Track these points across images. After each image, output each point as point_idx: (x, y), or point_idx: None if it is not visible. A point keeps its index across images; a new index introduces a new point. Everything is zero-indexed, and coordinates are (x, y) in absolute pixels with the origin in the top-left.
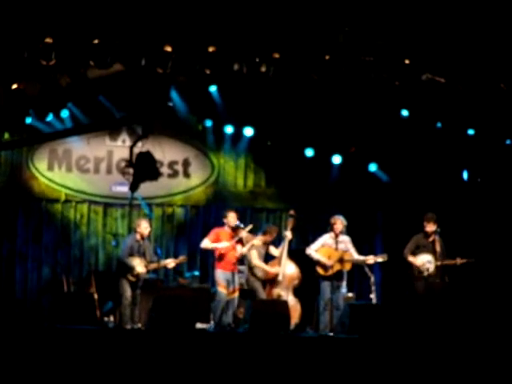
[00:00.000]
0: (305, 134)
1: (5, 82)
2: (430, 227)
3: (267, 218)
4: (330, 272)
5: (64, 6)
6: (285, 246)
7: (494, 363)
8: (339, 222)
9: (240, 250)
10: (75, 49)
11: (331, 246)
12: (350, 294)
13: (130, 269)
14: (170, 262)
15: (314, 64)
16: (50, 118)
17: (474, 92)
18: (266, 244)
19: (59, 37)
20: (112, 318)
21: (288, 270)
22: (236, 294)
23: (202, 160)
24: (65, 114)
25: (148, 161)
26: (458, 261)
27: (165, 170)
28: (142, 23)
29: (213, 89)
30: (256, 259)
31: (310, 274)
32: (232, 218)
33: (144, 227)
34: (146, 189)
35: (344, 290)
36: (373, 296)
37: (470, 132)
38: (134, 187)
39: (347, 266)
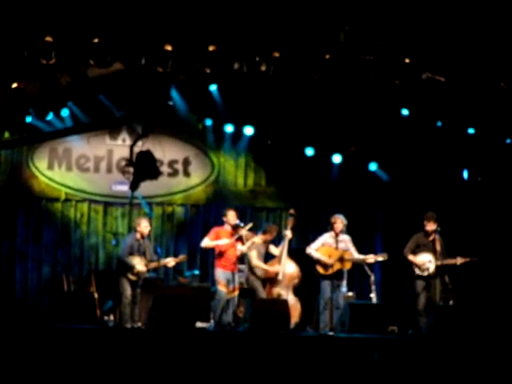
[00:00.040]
0: (305, 133)
1: (5, 80)
2: (430, 226)
3: (267, 217)
4: (330, 271)
5: (64, 5)
6: (285, 245)
7: (495, 363)
8: (339, 221)
9: (240, 248)
10: (75, 48)
11: (331, 245)
12: (350, 293)
13: (130, 268)
14: (170, 261)
15: (314, 63)
16: (50, 116)
17: (474, 91)
18: (266, 243)
19: (59, 36)
20: (112, 317)
21: (288, 269)
22: (236, 293)
23: (202, 159)
24: (65, 112)
25: (148, 160)
26: (459, 260)
27: (165, 168)
28: (142, 22)
29: (213, 88)
30: (255, 259)
31: (310, 273)
32: (231, 217)
33: (144, 226)
34: (146, 188)
35: (344, 289)
36: (373, 295)
37: (471, 131)
38: (134, 186)
39: (347, 265)
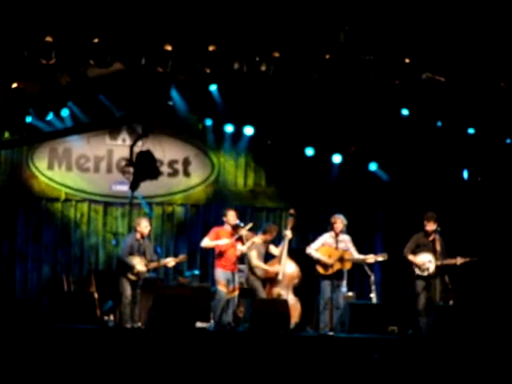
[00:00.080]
0: (305, 133)
1: (5, 81)
2: (430, 226)
3: (267, 217)
4: (330, 271)
5: (64, 5)
6: (285, 245)
7: (495, 363)
8: (339, 221)
9: (240, 248)
10: (75, 48)
11: (331, 245)
12: (350, 293)
13: (130, 268)
14: (170, 261)
15: (314, 63)
16: (50, 117)
17: (474, 91)
18: (266, 243)
19: (59, 36)
20: (112, 317)
21: (288, 269)
22: (236, 293)
23: (202, 159)
24: (65, 112)
25: (148, 160)
26: (459, 260)
27: (165, 168)
28: (142, 22)
29: (213, 88)
30: (255, 259)
31: (310, 273)
32: (231, 217)
33: (144, 226)
34: (146, 188)
35: (344, 289)
36: (373, 295)
37: (471, 131)
38: (134, 186)
39: (347, 265)
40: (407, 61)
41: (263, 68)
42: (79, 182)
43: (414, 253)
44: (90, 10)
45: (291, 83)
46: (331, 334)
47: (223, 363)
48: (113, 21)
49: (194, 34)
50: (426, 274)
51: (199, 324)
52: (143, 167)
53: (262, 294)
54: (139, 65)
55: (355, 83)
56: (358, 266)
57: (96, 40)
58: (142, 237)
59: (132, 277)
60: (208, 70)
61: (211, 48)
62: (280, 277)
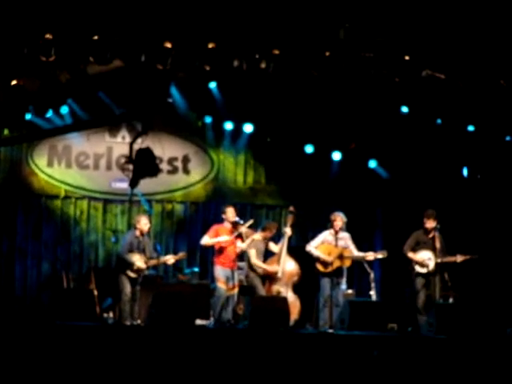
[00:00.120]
0: (305, 130)
1: (4, 78)
2: (430, 224)
3: (267, 215)
4: (330, 269)
5: (64, 2)
6: (284, 242)
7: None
8: (339, 219)
9: (240, 245)
10: (75, 45)
11: (331, 243)
12: (350, 291)
13: (130, 265)
14: (170, 259)
15: (314, 60)
16: (49, 114)
17: (474, 88)
18: (266, 240)
19: (59, 33)
20: (112, 314)
21: (288, 266)
22: (235, 291)
23: (201, 156)
24: (64, 110)
25: (147, 157)
26: (458, 258)
27: (164, 166)
28: (141, 19)
29: (212, 85)
30: (255, 258)
31: (309, 271)
32: (230, 214)
33: (144, 223)
34: (146, 185)
35: (344, 286)
36: (372, 293)
37: (470, 128)
38: (133, 183)
39: (347, 263)
40: (407, 58)
41: (263, 65)
42: (79, 180)
43: (414, 250)
44: (89, 7)
45: (291, 80)
46: (331, 331)
47: (223, 360)
48: (112, 18)
49: (193, 32)
50: (425, 271)
51: (199, 321)
52: (143, 164)
53: (262, 291)
54: (139, 62)
55: (355, 80)
56: (357, 263)
57: (96, 37)
58: (142, 234)
59: (132, 274)
60: (208, 68)
61: (211, 45)
62: (279, 274)
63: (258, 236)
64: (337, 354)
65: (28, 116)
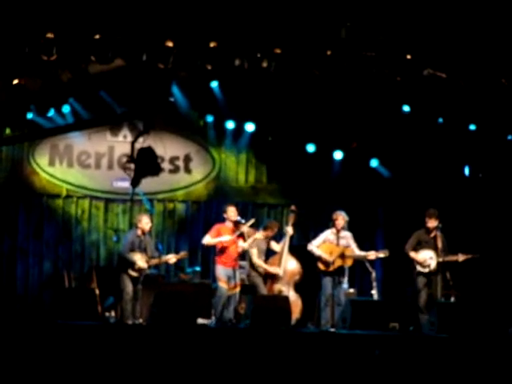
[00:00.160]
0: (306, 129)
1: (6, 77)
2: (432, 223)
3: (268, 214)
4: (332, 268)
5: (65, 1)
6: (286, 241)
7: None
8: (341, 218)
9: (241, 244)
10: (76, 44)
11: (332, 242)
12: (352, 290)
13: (131, 264)
14: (171, 258)
15: (316, 59)
16: (51, 113)
17: (476, 87)
18: (267, 239)
19: (60, 32)
20: (113, 314)
21: (289, 265)
22: (237, 290)
23: (203, 155)
24: (66, 109)
25: (149, 156)
26: (460, 257)
27: (166, 165)
28: (143, 18)
29: (214, 84)
30: (256, 257)
31: (311, 270)
32: (232, 213)
33: (145, 223)
34: (148, 184)
35: (345, 285)
36: (374, 292)
37: (472, 127)
38: (135, 183)
39: (348, 262)
40: (409, 57)
41: (264, 64)
42: (80, 179)
43: (416, 249)
44: (91, 6)
45: (292, 79)
46: (332, 330)
47: (224, 360)
48: (114, 17)
49: (195, 31)
50: (427, 270)
51: (200, 320)
52: (144, 164)
53: (263, 290)
54: (140, 61)
55: (356, 79)
56: (359, 262)
57: (97, 36)
58: (143, 233)
59: (133, 273)
60: (209, 67)
61: (212, 44)
62: (281, 273)
63: (260, 235)
64: (338, 353)
65: (29, 115)
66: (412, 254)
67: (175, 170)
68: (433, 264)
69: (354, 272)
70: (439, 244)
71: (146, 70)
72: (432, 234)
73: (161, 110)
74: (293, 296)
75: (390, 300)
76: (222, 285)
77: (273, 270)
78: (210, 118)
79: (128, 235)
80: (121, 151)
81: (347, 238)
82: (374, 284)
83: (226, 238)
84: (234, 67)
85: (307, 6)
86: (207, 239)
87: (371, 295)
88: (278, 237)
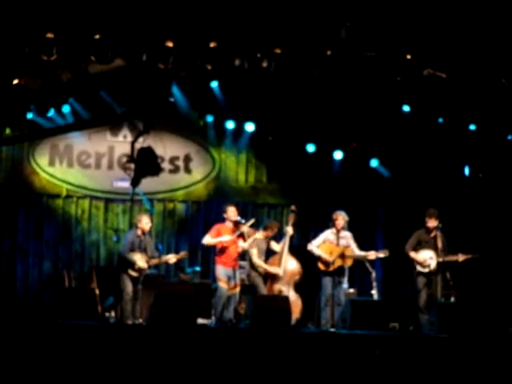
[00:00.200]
0: (306, 129)
1: (6, 77)
2: (432, 223)
3: (268, 214)
4: (332, 268)
5: (65, 1)
6: (286, 241)
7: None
8: (341, 218)
9: (241, 244)
10: (76, 44)
11: (332, 242)
12: (352, 290)
13: (131, 264)
14: (171, 258)
15: (316, 59)
16: (51, 113)
17: (476, 87)
18: (267, 239)
19: (60, 32)
20: (113, 314)
21: (289, 265)
22: (237, 290)
23: (203, 155)
24: (66, 109)
25: (149, 156)
26: (460, 257)
27: (166, 165)
28: (143, 18)
29: (214, 84)
30: (256, 257)
31: (311, 270)
32: (232, 213)
33: (145, 223)
34: (148, 184)
35: (345, 285)
36: (374, 292)
37: (472, 127)
38: (135, 183)
39: (348, 262)
40: (409, 57)
41: (264, 64)
42: (80, 179)
43: (416, 249)
44: (91, 6)
45: (292, 79)
46: (332, 330)
47: (224, 360)
48: (114, 17)
49: (195, 31)
50: (427, 270)
51: (200, 320)
52: (144, 164)
53: (263, 290)
54: (140, 61)
55: (356, 79)
56: (359, 262)
57: (97, 36)
58: (143, 233)
59: (133, 273)
60: (209, 67)
61: (212, 44)
62: (281, 273)
63: (260, 235)
64: (338, 353)
65: (29, 115)
66: (412, 254)
67: (175, 169)
68: (433, 264)
69: (354, 272)
70: (439, 244)
71: (146, 70)
72: (432, 234)
73: (161, 109)
74: (293, 296)
75: (390, 300)
76: (222, 285)
77: (273, 269)
78: (210, 118)
79: (128, 235)
80: (121, 151)
81: (347, 238)
82: (374, 284)
83: (225, 238)
84: (234, 67)
85: (307, 6)
86: (207, 239)
87: (371, 295)
88: (278, 237)
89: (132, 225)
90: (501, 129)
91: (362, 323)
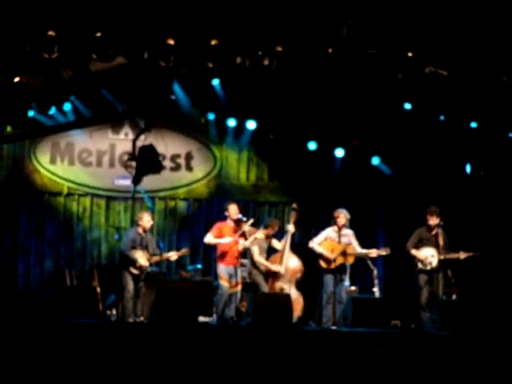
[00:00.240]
0: (308, 127)
1: (7, 75)
2: (433, 221)
3: (270, 212)
4: (333, 265)
5: None
6: (287, 239)
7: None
8: (342, 216)
9: (243, 243)
10: (78, 42)
11: (334, 240)
12: (353, 288)
13: (133, 262)
14: (173, 255)
15: (317, 57)
16: (52, 111)
17: (477, 85)
18: (269, 237)
19: (62, 30)
20: (115, 312)
21: (291, 263)
22: (239, 288)
23: (204, 153)
24: (67, 107)
25: (150, 154)
26: (462, 254)
27: (167, 163)
28: (144, 16)
29: (215, 82)
30: (258, 255)
31: (312, 268)
32: (233, 211)
33: (146, 220)
34: (149, 182)
35: (347, 283)
36: (376, 289)
37: (473, 125)
38: (136, 180)
39: (350, 260)
40: (410, 55)
41: (266, 62)
42: (82, 177)
43: (417, 247)
44: (92, 4)
45: (294, 77)
46: (334, 328)
47: (226, 358)
48: (115, 15)
49: (196, 28)
50: (428, 268)
51: (202, 318)
52: (146, 161)
53: (265, 288)
54: (142, 59)
55: (358, 77)
56: (360, 260)
57: (98, 34)
58: (145, 231)
59: (134, 271)
60: (210, 65)
61: (214, 42)
62: (282, 271)
63: (261, 234)
64: (340, 350)
65: (31, 113)
66: (413, 252)
67: (176, 167)
68: (434, 262)
69: (356, 270)
70: (441, 242)
71: (148, 68)
72: (433, 232)
73: (162, 107)
74: (294, 294)
75: (392, 298)
76: (224, 283)
77: (274, 267)
78: (211, 116)
79: (129, 233)
80: (122, 149)
81: (349, 235)
82: (376, 282)
83: (226, 240)
84: (236, 65)
85: (308, 3)
86: (209, 238)
87: (373, 293)
88: (280, 235)
89: (133, 223)
90: (502, 126)
91: (364, 321)
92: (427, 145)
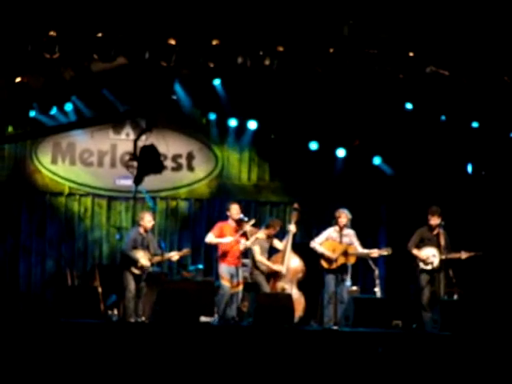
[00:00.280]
0: (309, 127)
1: (8, 75)
2: (435, 220)
3: (271, 212)
4: (334, 265)
5: None
6: (289, 239)
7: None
8: (344, 216)
9: (244, 242)
10: (79, 42)
11: (335, 240)
12: (355, 288)
13: (134, 262)
14: (174, 255)
15: (318, 57)
16: (53, 111)
17: (478, 85)
18: (270, 237)
19: (63, 30)
20: (116, 312)
21: (292, 263)
22: (240, 288)
23: (205, 153)
24: (68, 107)
25: (152, 154)
26: (463, 254)
27: (169, 163)
28: (145, 16)
29: (217, 82)
30: (259, 255)
31: (314, 268)
32: (235, 211)
33: (147, 220)
34: (150, 182)
35: (348, 283)
36: (377, 289)
37: (475, 125)
38: (137, 180)
39: (351, 260)
40: (411, 54)
41: (267, 62)
42: (83, 177)
43: (419, 247)
44: (93, 4)
45: (295, 77)
46: (335, 328)
47: (227, 357)
48: (116, 15)
49: (197, 28)
50: (430, 268)
51: (203, 318)
52: (147, 161)
53: (266, 288)
54: (143, 59)
55: (359, 77)
56: (362, 260)
57: (100, 34)
58: (146, 231)
59: (136, 271)
60: (212, 65)
61: (215, 42)
62: (284, 271)
63: (262, 234)
64: (341, 350)
65: (32, 113)
66: (415, 252)
67: (178, 167)
68: (436, 261)
69: (357, 270)
70: (442, 241)
71: (149, 68)
72: (435, 232)
73: (163, 107)
74: (296, 294)
75: (393, 298)
76: (225, 283)
77: (276, 267)
78: (212, 116)
79: (131, 233)
80: (123, 149)
81: (350, 235)
82: (377, 282)
83: (227, 240)
84: (237, 65)
85: (310, 3)
86: (210, 238)
87: (374, 293)
88: (281, 235)
89: (135, 222)
90: (504, 126)
91: (365, 321)
92: (428, 145)
